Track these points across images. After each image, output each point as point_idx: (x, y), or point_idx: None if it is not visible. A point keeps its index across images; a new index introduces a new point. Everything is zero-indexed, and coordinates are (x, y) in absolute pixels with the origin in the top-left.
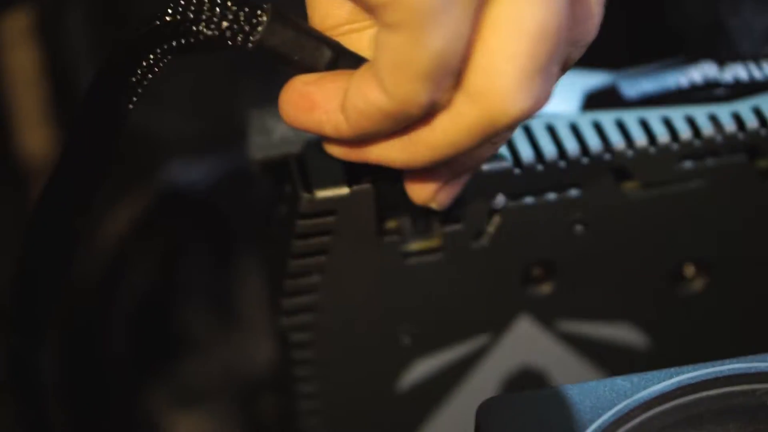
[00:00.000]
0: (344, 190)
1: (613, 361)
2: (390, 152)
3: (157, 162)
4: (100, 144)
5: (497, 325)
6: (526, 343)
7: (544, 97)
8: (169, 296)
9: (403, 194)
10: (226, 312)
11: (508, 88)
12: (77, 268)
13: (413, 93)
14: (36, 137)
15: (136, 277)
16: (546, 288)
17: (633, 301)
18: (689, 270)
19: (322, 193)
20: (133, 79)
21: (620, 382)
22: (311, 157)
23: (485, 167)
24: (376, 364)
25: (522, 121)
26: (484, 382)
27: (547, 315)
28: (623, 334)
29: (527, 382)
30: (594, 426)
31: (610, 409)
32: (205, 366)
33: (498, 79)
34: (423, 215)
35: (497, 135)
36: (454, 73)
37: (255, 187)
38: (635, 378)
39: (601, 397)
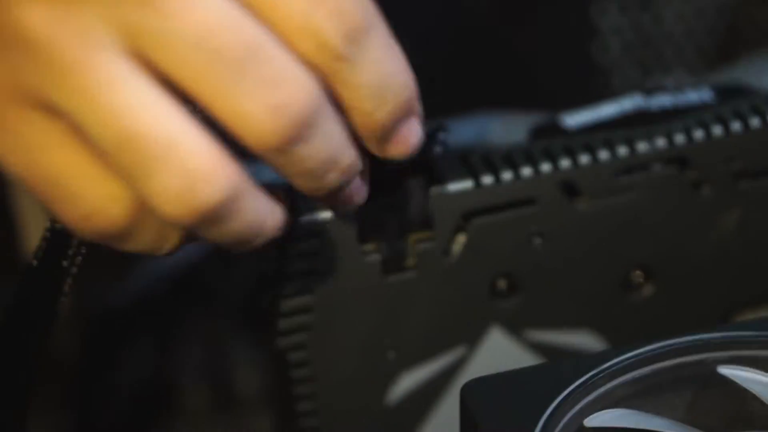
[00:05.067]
0: (327, 214)
1: None
2: None
3: None
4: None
5: (471, 337)
6: (498, 352)
7: None
8: (165, 372)
9: (382, 216)
10: (222, 387)
11: None
12: (68, 344)
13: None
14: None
15: (130, 354)
16: (512, 299)
17: (590, 309)
18: (637, 277)
19: (308, 217)
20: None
21: (585, 358)
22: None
23: (451, 189)
24: (366, 379)
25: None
26: None
27: (514, 325)
28: (584, 340)
29: None
30: (560, 397)
31: (575, 381)
32: None
33: None
34: (399, 236)
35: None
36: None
37: (243, 260)
38: (599, 354)
39: (568, 372)
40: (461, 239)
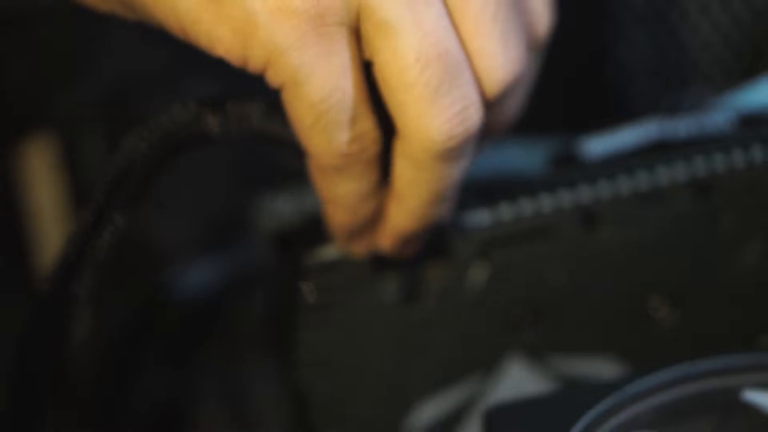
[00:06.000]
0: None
1: None
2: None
3: (157, 266)
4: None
5: (492, 367)
6: (520, 382)
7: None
8: (181, 399)
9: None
10: (238, 414)
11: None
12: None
13: (320, 143)
14: None
15: (144, 381)
16: (533, 329)
17: (613, 339)
18: (660, 305)
19: (324, 253)
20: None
21: (607, 384)
22: (313, 224)
23: (470, 220)
24: (385, 410)
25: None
26: None
27: (536, 355)
28: (607, 370)
29: None
30: (582, 423)
31: (597, 407)
32: None
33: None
34: (418, 267)
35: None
36: (347, 120)
37: (257, 287)
38: (621, 380)
39: (590, 397)
40: (481, 271)
